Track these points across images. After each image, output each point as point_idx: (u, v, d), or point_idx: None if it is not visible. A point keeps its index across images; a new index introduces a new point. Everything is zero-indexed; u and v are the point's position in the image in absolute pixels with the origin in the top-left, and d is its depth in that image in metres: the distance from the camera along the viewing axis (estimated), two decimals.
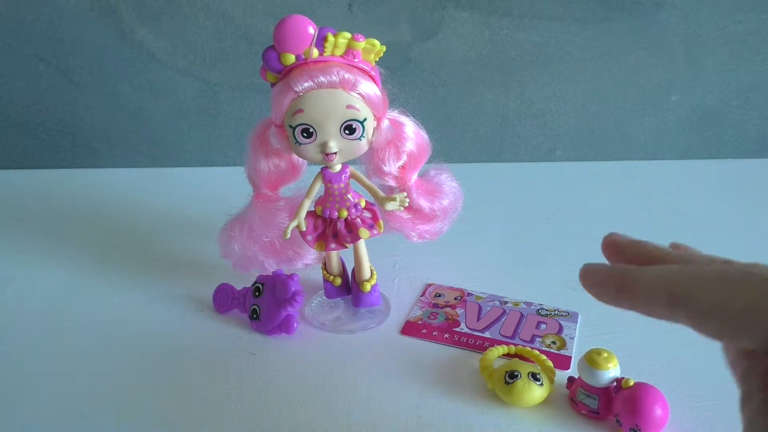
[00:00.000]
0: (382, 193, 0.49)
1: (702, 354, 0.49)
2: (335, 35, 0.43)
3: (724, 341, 0.25)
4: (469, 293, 0.57)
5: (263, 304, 0.51)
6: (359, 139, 0.46)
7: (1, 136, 0.85)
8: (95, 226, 0.70)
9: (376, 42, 0.44)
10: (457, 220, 0.56)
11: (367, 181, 0.50)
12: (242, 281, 0.54)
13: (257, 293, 0.52)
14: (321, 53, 0.44)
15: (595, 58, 0.81)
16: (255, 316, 0.51)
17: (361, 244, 0.52)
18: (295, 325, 0.50)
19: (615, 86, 0.83)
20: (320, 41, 0.43)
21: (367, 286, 0.53)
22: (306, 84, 0.43)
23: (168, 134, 0.85)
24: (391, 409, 0.44)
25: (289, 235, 0.48)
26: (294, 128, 0.45)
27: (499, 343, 0.50)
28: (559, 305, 0.55)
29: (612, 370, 0.42)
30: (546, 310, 0.54)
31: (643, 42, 0.80)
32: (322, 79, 0.43)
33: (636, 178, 0.82)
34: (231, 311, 0.54)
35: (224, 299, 0.54)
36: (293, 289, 0.49)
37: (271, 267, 0.53)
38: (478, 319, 0.53)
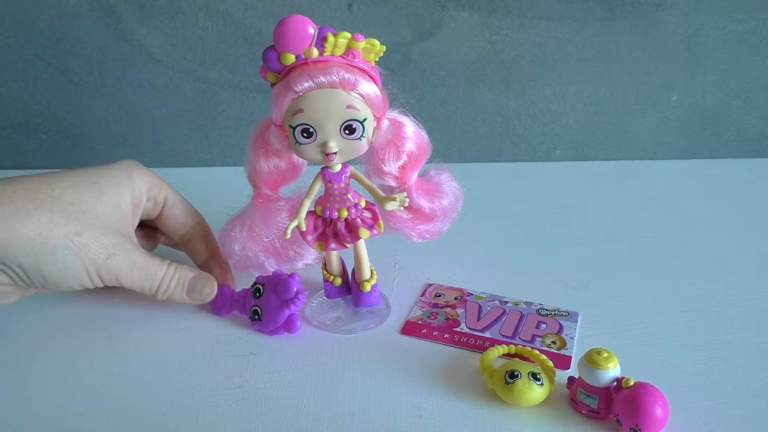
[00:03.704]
0: (382, 193, 0.49)
1: (702, 354, 0.49)
2: (335, 35, 0.43)
3: None
4: (469, 293, 0.57)
5: (264, 305, 0.51)
6: (359, 139, 0.46)
7: (1, 136, 0.85)
8: None
9: (376, 42, 0.44)
10: (457, 220, 0.56)
11: (367, 181, 0.50)
12: (242, 282, 0.54)
13: (257, 294, 0.52)
14: (321, 53, 0.44)
15: (595, 58, 0.81)
16: (256, 317, 0.51)
17: (361, 244, 0.52)
18: (299, 323, 0.50)
19: (615, 86, 0.83)
20: (320, 41, 0.43)
21: (367, 286, 0.53)
22: (306, 84, 0.43)
23: (168, 134, 0.85)
24: (391, 409, 0.44)
25: (289, 235, 0.48)
26: (294, 128, 0.45)
27: (500, 342, 0.50)
28: (559, 305, 0.55)
29: (612, 370, 0.42)
30: (546, 309, 0.54)
31: (643, 42, 0.80)
32: (322, 79, 0.43)
33: (636, 178, 0.82)
34: (231, 313, 0.54)
35: (223, 302, 0.54)
36: (295, 288, 0.49)
37: (271, 267, 0.53)
38: (478, 319, 0.53)
